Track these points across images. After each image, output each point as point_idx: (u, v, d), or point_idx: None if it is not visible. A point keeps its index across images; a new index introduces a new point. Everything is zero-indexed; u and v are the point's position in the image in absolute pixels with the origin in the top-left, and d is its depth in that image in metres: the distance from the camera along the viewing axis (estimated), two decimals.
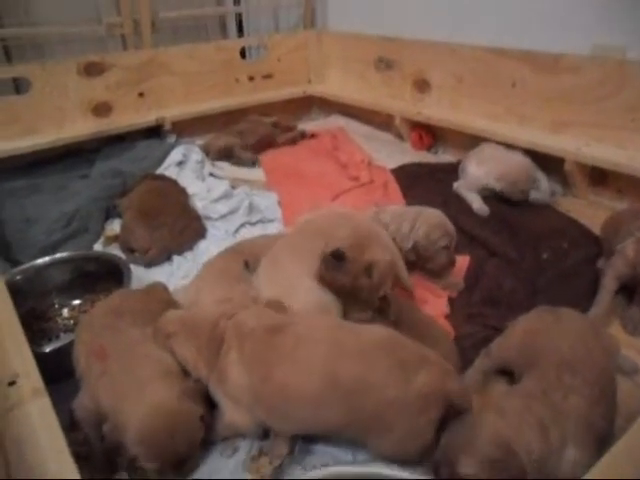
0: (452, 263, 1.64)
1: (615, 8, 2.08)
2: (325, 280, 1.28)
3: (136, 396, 1.03)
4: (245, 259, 1.51)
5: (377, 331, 1.11)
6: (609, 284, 1.52)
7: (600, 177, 2.19)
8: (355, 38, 3.25)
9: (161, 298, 1.35)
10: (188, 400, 1.04)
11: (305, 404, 1.03)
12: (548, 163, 2.24)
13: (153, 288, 1.39)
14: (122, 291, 1.38)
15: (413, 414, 0.99)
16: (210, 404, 1.12)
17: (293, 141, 2.93)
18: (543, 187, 2.19)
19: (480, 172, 2.17)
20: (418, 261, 1.65)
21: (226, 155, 2.67)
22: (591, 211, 2.09)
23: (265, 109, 3.17)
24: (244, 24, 3.87)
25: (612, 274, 1.53)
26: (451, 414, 1.01)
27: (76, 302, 1.61)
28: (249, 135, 2.76)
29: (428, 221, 1.65)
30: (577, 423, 0.98)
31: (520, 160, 2.17)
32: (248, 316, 1.15)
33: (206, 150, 2.70)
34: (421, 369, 1.02)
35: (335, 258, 1.25)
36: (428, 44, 2.79)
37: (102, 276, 1.61)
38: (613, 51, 2.12)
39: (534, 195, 2.15)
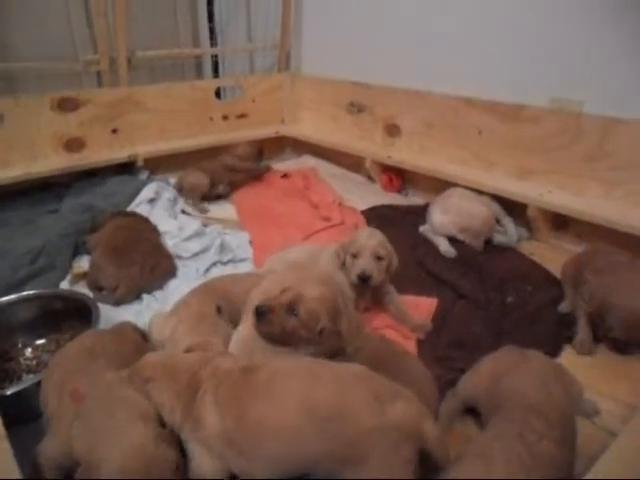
0: (363, 275, 1.65)
1: (573, 65, 2.22)
2: (262, 334, 1.28)
3: (113, 438, 1.00)
4: (218, 304, 1.52)
5: (352, 365, 1.12)
6: (582, 317, 1.63)
7: (561, 222, 2.28)
8: (328, 82, 3.35)
9: (132, 339, 1.34)
10: (164, 445, 1.02)
11: (280, 438, 1.01)
12: (513, 207, 2.33)
13: (123, 328, 1.38)
14: (92, 331, 1.35)
15: (389, 446, 0.98)
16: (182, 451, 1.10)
17: (258, 175, 3.00)
18: (510, 231, 2.27)
19: (444, 221, 2.24)
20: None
21: (199, 194, 2.67)
22: (553, 255, 2.16)
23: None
24: (220, 65, 3.95)
25: (582, 311, 1.64)
26: (427, 463, 1.01)
27: (40, 341, 1.57)
28: (220, 178, 2.77)
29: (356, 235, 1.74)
30: (550, 467, 1.00)
31: (483, 212, 2.22)
32: (224, 360, 1.14)
33: (178, 186, 2.71)
34: (397, 400, 1.02)
35: (259, 314, 1.26)
36: (399, 91, 2.90)
37: (68, 315, 1.59)
38: (570, 104, 2.24)
39: (499, 239, 2.23)
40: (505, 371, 1.23)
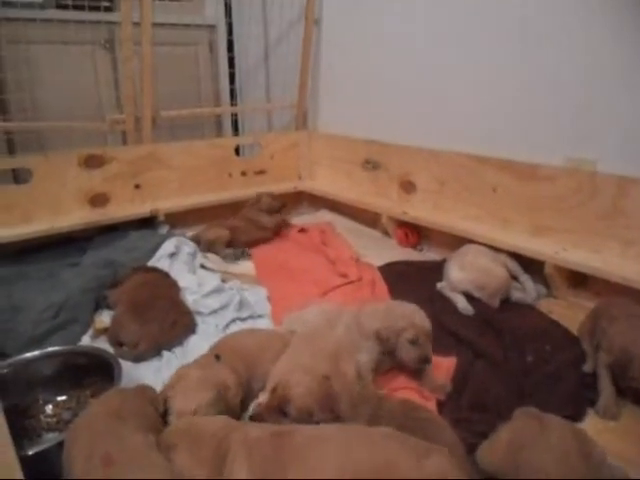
0: (425, 360, 1.63)
1: (586, 125, 2.27)
2: None
3: None
4: (216, 353, 1.55)
5: (380, 427, 1.13)
6: (604, 374, 1.60)
7: (579, 280, 2.27)
8: (344, 140, 3.45)
9: (152, 399, 1.34)
10: None
11: None
12: (530, 264, 2.34)
13: (144, 389, 1.38)
14: (115, 391, 1.35)
15: None
16: None
17: (278, 231, 3.05)
18: (528, 288, 2.27)
19: (462, 277, 2.25)
20: (386, 354, 1.66)
21: (214, 248, 2.71)
22: (572, 312, 2.14)
23: None
24: (239, 123, 4.10)
25: (602, 366, 1.62)
26: None
27: (61, 398, 1.57)
28: (242, 234, 2.83)
29: (395, 313, 1.69)
30: None
31: (500, 271, 2.23)
32: (251, 427, 1.15)
33: (196, 240, 2.76)
34: (432, 454, 1.03)
35: (252, 418, 1.29)
36: (413, 149, 2.97)
37: (89, 371, 1.60)
38: (585, 163, 2.29)
39: (517, 295, 2.23)
40: (524, 442, 1.19)
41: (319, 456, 1.04)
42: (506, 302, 2.21)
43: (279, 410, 1.26)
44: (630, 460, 1.36)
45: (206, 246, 2.72)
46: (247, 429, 1.13)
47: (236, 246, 2.77)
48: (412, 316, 1.68)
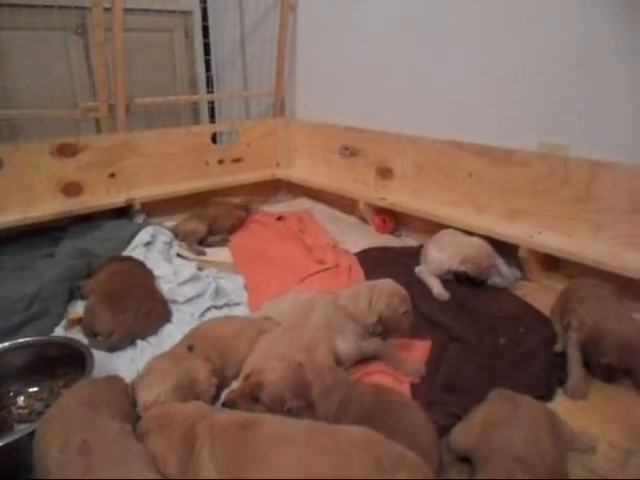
0: (411, 326, 1.74)
1: (559, 110, 2.30)
2: None
3: None
4: (189, 344, 1.55)
5: (352, 430, 1.10)
6: (574, 354, 1.65)
7: (553, 263, 2.31)
8: (321, 127, 3.44)
9: (124, 390, 1.34)
10: None
11: None
12: (505, 249, 2.37)
13: (114, 379, 1.38)
14: (88, 381, 1.34)
15: None
16: None
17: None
18: (504, 272, 2.30)
19: (443, 257, 2.27)
20: (384, 332, 1.71)
21: (195, 239, 2.69)
22: (545, 295, 2.17)
23: (234, 191, 3.27)
24: (216, 111, 4.06)
25: (573, 345, 1.67)
26: None
27: (33, 389, 1.55)
28: (223, 220, 2.84)
29: (384, 291, 1.72)
30: None
31: (478, 241, 2.29)
32: (220, 414, 1.14)
33: (175, 233, 2.74)
34: (400, 470, 0.99)
35: (224, 405, 1.29)
36: (391, 135, 2.97)
37: (62, 361, 1.58)
38: (558, 148, 2.31)
39: (494, 280, 2.25)
40: (496, 422, 1.22)
41: (281, 462, 1.02)
42: (482, 286, 2.24)
43: (252, 397, 1.26)
44: (596, 437, 1.39)
45: (182, 238, 2.70)
46: (215, 416, 1.13)
47: (217, 233, 2.76)
48: (399, 289, 1.74)
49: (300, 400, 1.26)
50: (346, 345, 1.68)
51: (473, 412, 1.32)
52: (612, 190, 2.12)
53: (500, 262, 2.33)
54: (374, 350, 1.70)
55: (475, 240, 2.31)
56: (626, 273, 1.96)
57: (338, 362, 1.62)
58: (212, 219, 2.80)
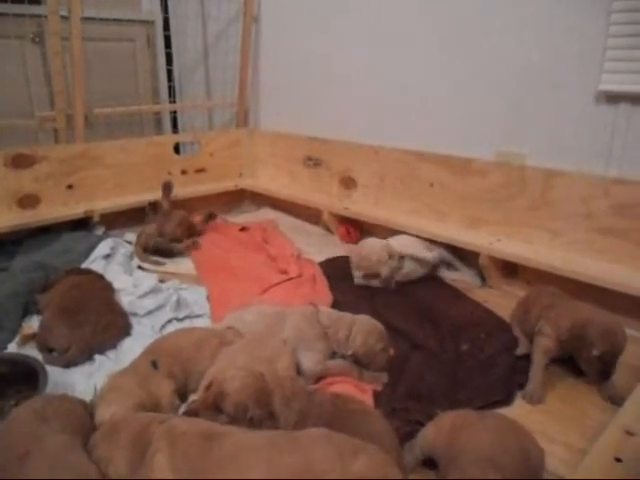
0: (390, 361, 1.72)
1: (514, 121, 2.37)
2: None
3: None
4: (153, 359, 1.51)
5: (310, 429, 1.13)
6: (539, 360, 1.66)
7: (511, 269, 2.36)
8: (285, 137, 3.44)
9: (80, 405, 1.30)
10: None
11: None
12: (466, 256, 2.42)
13: (70, 395, 1.34)
14: (42, 396, 1.30)
15: None
16: None
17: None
18: (467, 276, 2.41)
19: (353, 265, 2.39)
20: (361, 366, 1.71)
21: (142, 246, 2.63)
22: (505, 301, 2.21)
23: (198, 202, 3.24)
24: (179, 121, 4.02)
25: (540, 351, 1.67)
26: None
27: None
28: (173, 228, 2.75)
29: (362, 328, 1.72)
30: None
31: (371, 244, 2.37)
32: (179, 420, 1.12)
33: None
34: (360, 454, 1.02)
35: (189, 415, 1.27)
36: (354, 145, 3.00)
37: (14, 379, 1.52)
38: (514, 157, 2.38)
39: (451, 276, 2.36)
40: (464, 425, 1.25)
41: (248, 468, 1.02)
42: (444, 292, 2.29)
43: (214, 406, 1.24)
44: (553, 438, 1.43)
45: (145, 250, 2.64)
46: (174, 422, 1.11)
47: (169, 241, 2.71)
48: (376, 326, 1.75)
49: (262, 409, 1.25)
50: (313, 363, 1.68)
51: (441, 416, 1.34)
52: (565, 197, 2.19)
53: (460, 265, 2.41)
54: (339, 372, 1.70)
55: (371, 243, 2.39)
56: (580, 278, 2.01)
57: (302, 375, 1.63)
58: (159, 226, 2.72)
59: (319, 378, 1.68)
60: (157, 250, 2.63)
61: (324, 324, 1.75)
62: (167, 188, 2.90)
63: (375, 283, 2.31)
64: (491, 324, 2.03)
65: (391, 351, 1.76)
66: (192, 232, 2.88)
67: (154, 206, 2.85)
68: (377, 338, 1.70)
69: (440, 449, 1.25)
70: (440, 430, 1.28)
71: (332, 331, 1.74)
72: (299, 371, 1.65)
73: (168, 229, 2.72)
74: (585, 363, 1.63)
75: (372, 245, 2.36)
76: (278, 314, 1.83)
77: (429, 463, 1.31)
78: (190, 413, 1.25)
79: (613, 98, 2.06)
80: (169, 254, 2.66)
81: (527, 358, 1.74)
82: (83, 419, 1.27)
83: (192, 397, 1.46)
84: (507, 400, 1.58)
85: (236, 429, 1.15)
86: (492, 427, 1.23)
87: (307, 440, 1.07)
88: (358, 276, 2.34)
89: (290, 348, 1.65)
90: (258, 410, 1.24)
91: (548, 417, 1.53)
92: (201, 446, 1.05)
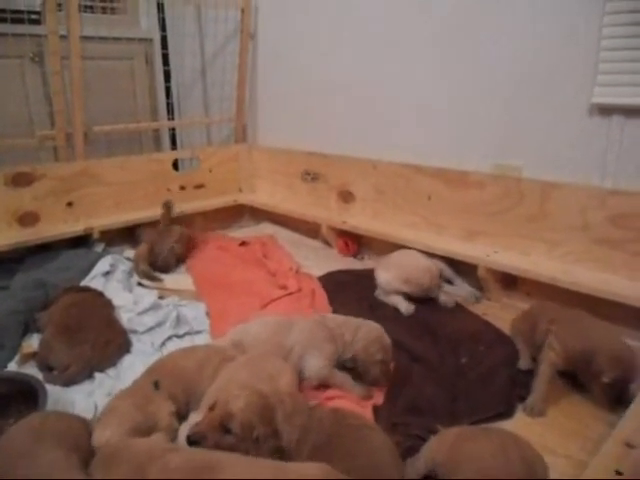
0: (386, 376, 1.73)
1: (510, 133, 2.39)
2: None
3: None
4: (155, 380, 1.51)
5: (310, 468, 1.09)
6: (544, 373, 1.65)
7: (510, 281, 2.36)
8: (283, 152, 3.47)
9: (78, 422, 1.30)
10: None
11: None
12: (464, 268, 2.42)
13: (69, 413, 1.34)
14: (39, 413, 1.31)
15: None
16: None
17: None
18: (464, 291, 2.37)
19: (388, 277, 2.32)
20: (355, 370, 1.73)
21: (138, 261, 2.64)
22: (504, 313, 2.21)
23: (197, 218, 3.26)
24: (178, 138, 4.05)
25: (547, 364, 1.67)
26: None
27: None
28: (162, 241, 2.76)
29: (367, 335, 1.75)
30: None
31: (423, 263, 2.33)
32: (173, 456, 1.10)
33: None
34: None
35: (191, 443, 1.25)
36: (351, 159, 3.02)
37: (14, 398, 1.52)
38: (511, 170, 2.39)
39: (442, 299, 2.30)
40: (468, 437, 1.25)
41: None
42: (440, 306, 2.28)
43: (221, 427, 1.24)
44: (553, 451, 1.43)
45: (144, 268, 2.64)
46: (168, 458, 1.09)
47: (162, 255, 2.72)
48: (382, 337, 1.76)
49: (267, 426, 1.25)
50: (319, 364, 1.70)
51: (444, 431, 1.34)
52: (563, 209, 2.20)
53: (459, 281, 2.38)
54: (341, 383, 1.71)
55: (421, 261, 2.35)
56: (580, 289, 2.02)
57: (304, 379, 1.69)
58: (151, 246, 2.72)
59: (320, 385, 1.70)
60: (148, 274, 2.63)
61: (331, 326, 1.77)
62: (167, 207, 2.91)
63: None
64: (491, 337, 2.03)
65: (391, 366, 1.76)
66: (192, 246, 2.89)
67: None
68: (379, 348, 1.71)
69: (442, 461, 1.24)
70: (443, 443, 1.28)
71: (339, 332, 1.76)
72: (304, 375, 1.69)
73: (165, 247, 2.74)
74: (595, 388, 1.61)
75: (425, 265, 2.32)
76: (283, 322, 1.86)
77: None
78: (196, 437, 1.24)
79: (606, 110, 2.08)
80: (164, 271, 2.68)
81: (527, 371, 1.75)
82: (80, 437, 1.26)
83: (193, 416, 1.45)
84: (507, 413, 1.58)
85: (231, 460, 1.12)
86: (495, 440, 1.22)
87: (303, 475, 1.04)
88: (388, 291, 2.31)
89: (291, 365, 1.65)
90: (263, 428, 1.23)
91: (549, 429, 1.53)
92: None
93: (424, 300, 2.30)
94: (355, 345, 1.73)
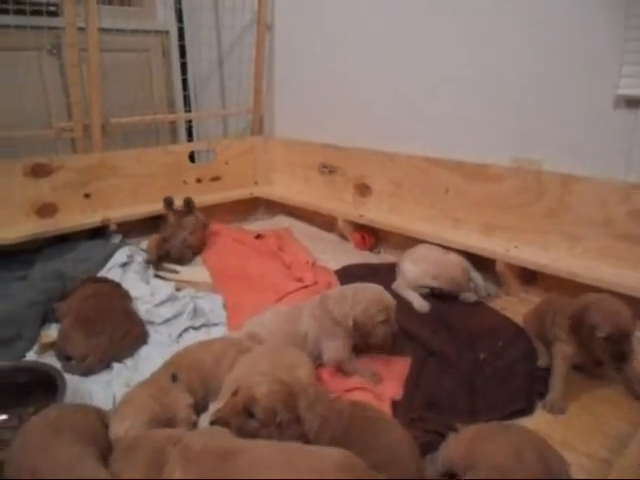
0: (392, 336, 1.73)
1: (530, 126, 2.35)
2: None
3: None
4: (173, 373, 1.51)
5: (332, 452, 1.08)
6: (559, 368, 1.63)
7: (529, 276, 2.33)
8: (300, 144, 3.45)
9: (95, 415, 1.30)
10: None
11: None
12: (482, 263, 2.39)
13: (86, 405, 1.35)
14: (56, 405, 1.31)
15: None
16: None
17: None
18: (480, 286, 2.32)
19: (417, 271, 2.28)
20: (361, 337, 1.74)
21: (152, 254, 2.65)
22: (523, 308, 2.17)
23: (213, 210, 3.25)
24: (194, 130, 4.05)
25: (559, 358, 1.65)
26: None
27: (1, 417, 1.51)
28: (177, 233, 2.77)
29: (366, 297, 1.74)
30: None
31: (453, 258, 2.31)
32: (195, 438, 1.10)
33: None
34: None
35: (214, 423, 1.25)
36: (369, 152, 2.99)
37: (33, 387, 1.53)
38: (530, 163, 2.35)
39: (464, 296, 2.26)
40: (485, 436, 1.24)
41: None
42: (453, 300, 2.25)
43: (245, 412, 1.24)
44: (574, 448, 1.41)
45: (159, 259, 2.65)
46: (189, 440, 1.09)
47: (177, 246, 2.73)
48: (382, 297, 1.75)
49: (290, 412, 1.25)
50: (336, 351, 1.72)
51: (463, 429, 1.33)
52: (584, 203, 2.16)
53: (475, 275, 2.35)
54: (354, 371, 1.72)
55: (451, 256, 2.33)
56: (600, 285, 1.98)
57: (323, 363, 1.72)
58: (164, 233, 2.75)
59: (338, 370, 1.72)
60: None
61: (329, 309, 1.77)
62: (168, 203, 2.92)
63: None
64: (509, 332, 2.00)
65: (395, 326, 1.75)
66: (208, 234, 2.91)
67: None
68: (380, 309, 1.70)
69: (458, 459, 1.24)
70: (460, 442, 1.27)
71: (337, 311, 1.75)
72: (322, 359, 1.72)
73: (179, 238, 2.75)
74: (597, 349, 1.56)
75: (455, 260, 2.30)
76: (293, 308, 1.88)
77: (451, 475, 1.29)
78: (219, 421, 1.24)
79: (632, 102, 2.03)
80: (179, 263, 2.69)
81: (546, 368, 1.72)
82: (97, 430, 1.27)
83: (213, 405, 1.45)
84: (528, 409, 1.56)
85: (252, 444, 1.12)
86: (511, 439, 1.20)
87: (328, 466, 1.03)
88: (413, 285, 2.28)
89: (308, 358, 1.64)
90: (286, 414, 1.23)
91: (569, 426, 1.50)
92: (215, 466, 1.04)
93: (446, 296, 2.27)
94: (353, 310, 1.71)
